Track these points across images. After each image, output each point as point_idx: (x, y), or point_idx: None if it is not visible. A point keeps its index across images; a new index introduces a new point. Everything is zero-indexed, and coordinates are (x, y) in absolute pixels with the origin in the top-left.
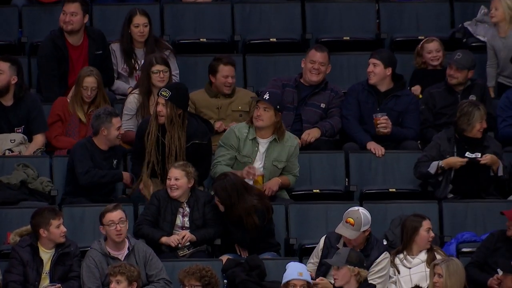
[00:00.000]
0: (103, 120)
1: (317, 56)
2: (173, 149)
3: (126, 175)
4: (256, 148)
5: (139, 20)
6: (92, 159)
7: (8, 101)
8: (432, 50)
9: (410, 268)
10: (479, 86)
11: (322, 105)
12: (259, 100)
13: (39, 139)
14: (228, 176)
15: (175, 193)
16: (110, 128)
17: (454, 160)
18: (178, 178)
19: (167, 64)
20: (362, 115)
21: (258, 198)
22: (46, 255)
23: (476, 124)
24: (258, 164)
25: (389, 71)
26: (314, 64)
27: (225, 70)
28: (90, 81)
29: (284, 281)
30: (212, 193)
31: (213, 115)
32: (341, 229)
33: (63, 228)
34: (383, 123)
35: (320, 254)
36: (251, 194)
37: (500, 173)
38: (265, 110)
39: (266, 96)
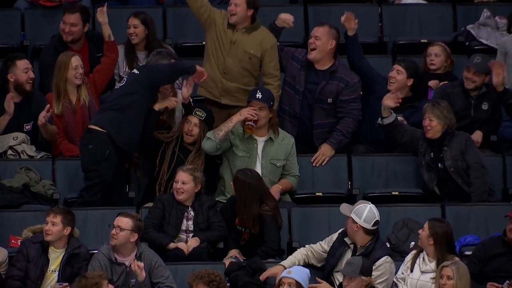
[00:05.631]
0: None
1: (314, 30)
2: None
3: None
4: (256, 145)
5: (130, 21)
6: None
7: (16, 98)
8: (431, 54)
9: (422, 272)
10: (492, 93)
11: (329, 100)
12: (251, 101)
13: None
14: (254, 173)
15: (180, 197)
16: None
17: None
18: (186, 182)
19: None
20: (375, 114)
21: (273, 208)
22: (55, 254)
23: None
24: (257, 163)
25: (410, 81)
26: (311, 39)
27: None
28: (75, 60)
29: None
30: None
31: (224, 47)
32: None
33: (45, 226)
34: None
35: (331, 244)
36: (266, 203)
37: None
38: (260, 109)
39: (259, 96)
